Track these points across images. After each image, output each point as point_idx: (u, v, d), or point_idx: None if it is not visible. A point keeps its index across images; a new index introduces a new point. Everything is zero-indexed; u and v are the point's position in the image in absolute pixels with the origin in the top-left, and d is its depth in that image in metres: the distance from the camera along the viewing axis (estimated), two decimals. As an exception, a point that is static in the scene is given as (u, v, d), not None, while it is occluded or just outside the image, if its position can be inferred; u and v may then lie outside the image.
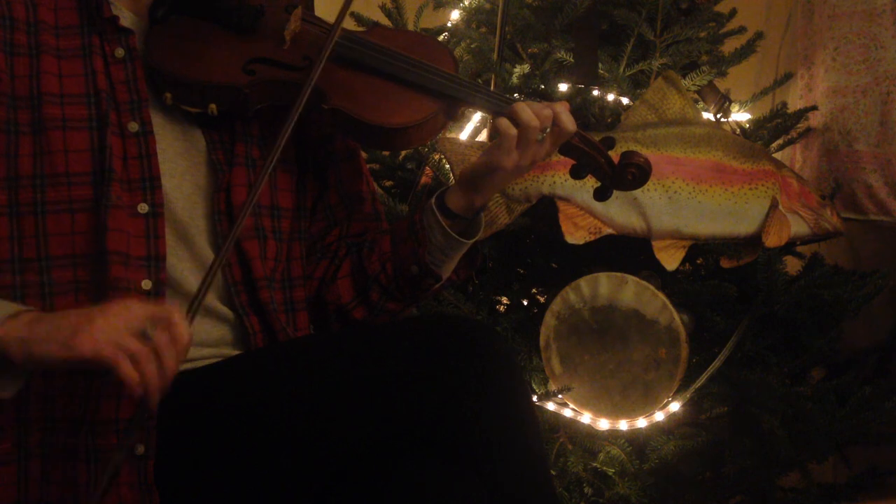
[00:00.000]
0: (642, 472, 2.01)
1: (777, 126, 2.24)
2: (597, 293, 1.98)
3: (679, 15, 2.16)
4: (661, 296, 1.96)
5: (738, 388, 2.04)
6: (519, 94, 2.09)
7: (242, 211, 1.21)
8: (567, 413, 2.00)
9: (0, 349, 1.12)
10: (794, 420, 2.03)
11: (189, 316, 1.15)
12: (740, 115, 2.24)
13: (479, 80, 2.05)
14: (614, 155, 1.43)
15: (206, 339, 1.31)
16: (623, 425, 1.99)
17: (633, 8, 2.12)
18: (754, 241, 2.02)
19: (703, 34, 2.17)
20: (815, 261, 2.21)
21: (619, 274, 1.98)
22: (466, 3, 2.27)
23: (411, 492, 1.16)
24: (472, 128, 2.15)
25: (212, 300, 1.32)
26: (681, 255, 1.99)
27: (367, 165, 1.80)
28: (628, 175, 1.43)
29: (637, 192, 1.94)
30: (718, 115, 2.17)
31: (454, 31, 2.26)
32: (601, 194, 1.47)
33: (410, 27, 2.21)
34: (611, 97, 2.10)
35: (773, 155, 2.18)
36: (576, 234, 1.97)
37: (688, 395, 2.01)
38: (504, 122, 1.36)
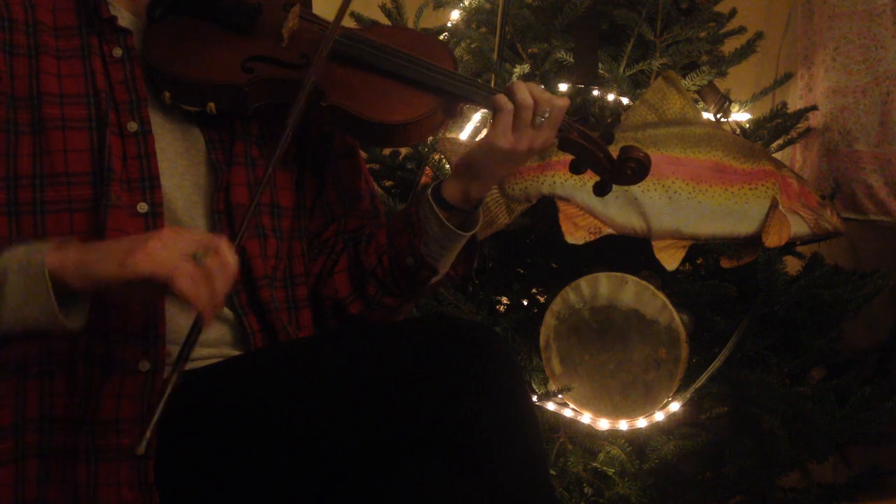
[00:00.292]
0: (642, 472, 2.01)
1: (777, 126, 2.24)
2: (597, 293, 1.98)
3: (679, 15, 2.16)
4: (661, 296, 1.96)
5: (738, 388, 2.04)
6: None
7: (245, 218, 1.21)
8: (567, 413, 2.00)
9: (57, 275, 1.13)
10: (794, 420, 2.03)
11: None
12: (740, 115, 2.24)
13: (480, 80, 2.05)
14: (613, 150, 1.43)
15: (206, 339, 1.31)
16: (623, 425, 1.99)
17: (633, 8, 2.13)
18: (754, 241, 2.02)
19: (703, 34, 2.17)
20: (815, 261, 2.21)
21: (619, 274, 1.98)
22: (466, 3, 2.27)
23: (411, 492, 1.16)
24: (472, 128, 2.15)
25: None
26: (681, 255, 1.99)
27: (368, 165, 1.80)
28: (627, 170, 1.42)
29: (637, 192, 1.94)
30: (718, 115, 2.17)
31: (454, 31, 2.26)
32: (600, 189, 1.47)
33: (410, 27, 2.21)
34: (611, 97, 2.10)
35: (773, 155, 2.18)
36: (576, 234, 1.97)
37: (688, 395, 2.01)
38: (502, 99, 1.36)
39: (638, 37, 2.11)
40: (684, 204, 1.97)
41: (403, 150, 2.19)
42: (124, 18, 1.35)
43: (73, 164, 1.26)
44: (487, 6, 2.26)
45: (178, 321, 1.26)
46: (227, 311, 1.34)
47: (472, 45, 2.19)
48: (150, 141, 1.30)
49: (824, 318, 2.12)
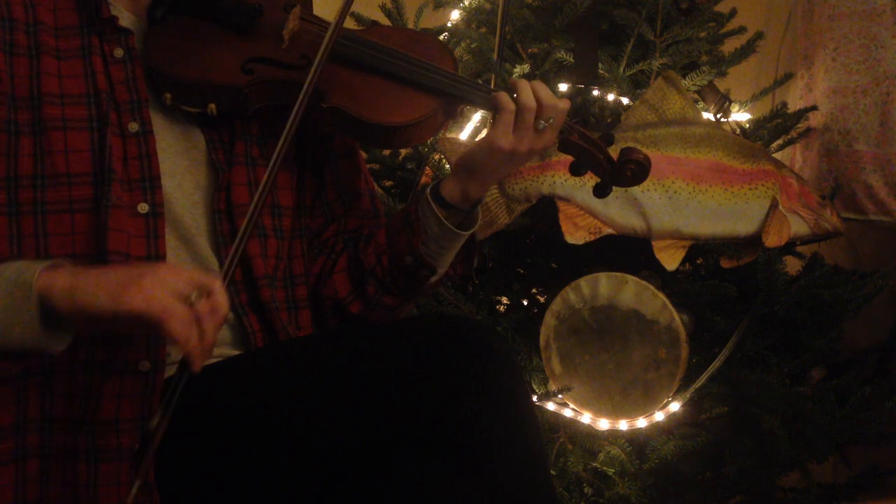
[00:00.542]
0: (642, 472, 2.01)
1: (777, 126, 2.23)
2: (597, 293, 1.98)
3: (679, 15, 2.15)
4: (661, 296, 1.96)
5: (738, 388, 2.04)
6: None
7: (246, 221, 1.21)
8: (567, 413, 2.00)
9: (45, 298, 1.12)
10: (794, 420, 2.03)
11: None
12: (740, 115, 2.24)
13: (480, 80, 2.05)
14: (613, 151, 1.43)
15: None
16: (623, 425, 1.99)
17: (633, 8, 2.12)
18: (754, 241, 2.02)
19: (703, 34, 2.17)
20: (815, 261, 2.21)
21: (619, 274, 1.98)
22: (466, 3, 2.27)
23: (411, 492, 1.16)
24: (472, 128, 2.15)
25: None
26: (681, 255, 1.99)
27: (368, 165, 1.80)
28: (627, 171, 1.43)
29: (637, 192, 1.94)
30: (718, 115, 2.17)
31: (454, 31, 2.26)
32: (600, 191, 1.47)
33: (410, 27, 2.21)
34: (611, 97, 2.10)
35: (773, 155, 2.18)
36: (576, 234, 1.97)
37: (688, 395, 2.01)
38: (503, 98, 1.36)
39: (638, 37, 2.11)
40: (684, 204, 1.97)
41: (403, 150, 2.19)
42: (125, 18, 1.35)
43: (74, 164, 1.26)
44: (487, 6, 2.26)
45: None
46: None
47: (472, 45, 2.19)
48: (150, 141, 1.30)
49: (824, 318, 2.12)
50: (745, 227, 2.01)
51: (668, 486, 2.06)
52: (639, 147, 1.94)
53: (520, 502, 1.21)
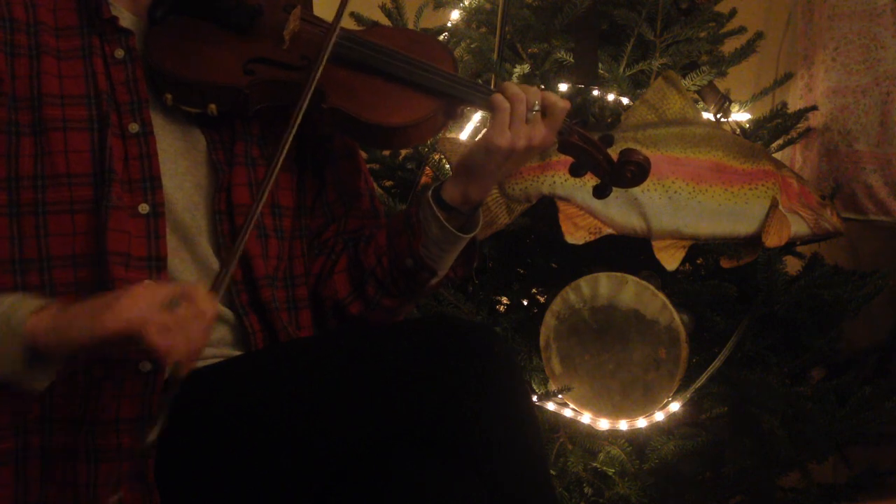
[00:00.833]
0: (642, 472, 2.01)
1: (777, 126, 2.23)
2: (597, 293, 1.98)
3: (679, 15, 2.15)
4: (661, 296, 1.96)
5: (738, 388, 2.04)
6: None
7: (246, 222, 1.21)
8: (567, 413, 2.00)
9: (30, 343, 1.13)
10: (794, 420, 2.03)
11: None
12: (740, 115, 2.24)
13: (480, 80, 2.05)
14: (613, 153, 1.43)
15: (206, 339, 1.31)
16: (623, 425, 1.99)
17: (633, 8, 2.12)
18: (754, 241, 2.02)
19: (703, 34, 2.17)
20: (815, 261, 2.21)
21: (619, 274, 1.98)
22: (466, 3, 2.27)
23: (411, 492, 1.16)
24: (472, 128, 2.15)
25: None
26: (681, 255, 1.99)
27: (368, 165, 1.80)
28: (627, 173, 1.43)
29: (637, 193, 1.95)
30: (718, 115, 2.17)
31: (454, 31, 2.26)
32: (600, 192, 1.47)
33: (410, 27, 2.21)
34: (611, 97, 2.10)
35: (773, 155, 2.18)
36: (576, 234, 1.97)
37: (688, 395, 2.01)
38: (498, 98, 1.36)
39: (638, 37, 2.11)
40: (684, 204, 1.97)
41: (404, 151, 2.19)
42: (125, 19, 1.35)
43: (75, 164, 1.26)
44: (487, 6, 2.26)
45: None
46: (227, 312, 1.34)
47: (472, 45, 2.19)
48: (151, 142, 1.30)
49: (824, 318, 2.12)
50: (745, 227, 2.01)
51: (668, 486, 2.07)
52: (639, 147, 1.95)
53: (520, 502, 1.22)
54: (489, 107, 1.37)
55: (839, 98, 2.38)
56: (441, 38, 2.25)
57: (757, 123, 2.21)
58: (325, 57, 1.30)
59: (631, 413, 1.98)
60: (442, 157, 2.07)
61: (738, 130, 2.20)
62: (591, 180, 1.47)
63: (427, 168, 2.11)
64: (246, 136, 1.39)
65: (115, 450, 1.22)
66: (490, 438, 1.20)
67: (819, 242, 2.19)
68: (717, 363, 2.02)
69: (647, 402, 1.97)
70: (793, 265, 2.23)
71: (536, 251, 2.14)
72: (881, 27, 2.31)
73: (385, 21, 2.17)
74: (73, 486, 1.22)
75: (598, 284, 1.98)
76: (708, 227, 1.99)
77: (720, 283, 2.03)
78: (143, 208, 1.28)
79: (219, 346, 1.33)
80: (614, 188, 1.46)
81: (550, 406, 2.00)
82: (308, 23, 1.41)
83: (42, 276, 1.24)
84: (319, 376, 1.22)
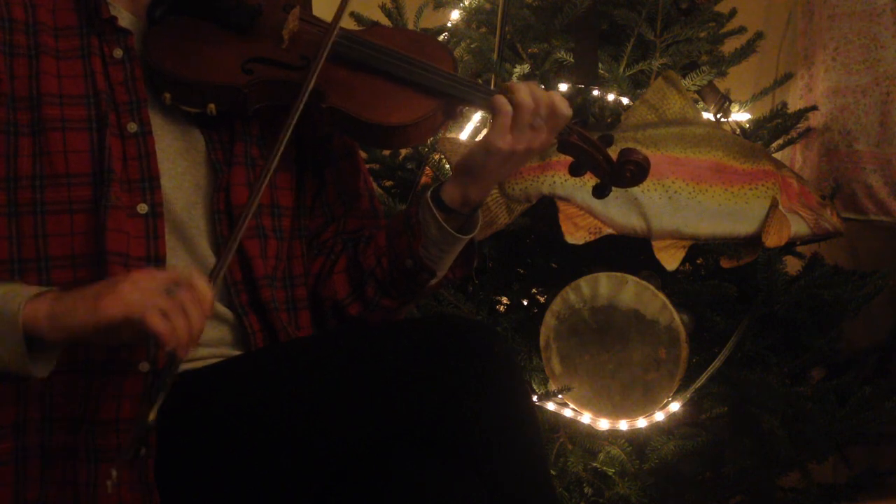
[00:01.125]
0: (642, 472, 2.01)
1: (777, 126, 2.23)
2: (597, 293, 1.98)
3: (679, 15, 2.15)
4: (661, 296, 1.96)
5: (738, 388, 2.04)
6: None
7: (242, 218, 1.21)
8: (567, 413, 2.00)
9: (29, 328, 1.13)
10: (794, 420, 2.03)
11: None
12: (740, 115, 2.24)
13: (479, 80, 2.05)
14: (613, 152, 1.43)
15: (206, 339, 1.30)
16: (623, 425, 1.99)
17: (633, 8, 2.12)
18: (754, 241, 2.02)
19: (703, 34, 2.17)
20: (815, 261, 2.21)
21: (619, 274, 1.98)
22: (466, 3, 2.27)
23: (411, 492, 1.16)
24: (472, 128, 2.15)
25: (211, 301, 1.32)
26: (681, 255, 1.99)
27: (368, 165, 1.80)
28: (626, 172, 1.42)
29: (637, 193, 1.95)
30: (718, 115, 2.17)
31: (454, 31, 2.26)
32: (600, 191, 1.47)
33: (410, 27, 2.21)
34: (611, 97, 2.10)
35: (773, 155, 2.18)
36: (576, 234, 1.97)
37: (688, 395, 2.01)
38: (500, 100, 1.36)
39: (638, 37, 2.11)
40: (684, 204, 1.97)
41: (403, 151, 2.19)
42: (124, 19, 1.35)
43: (73, 164, 1.26)
44: (487, 6, 2.26)
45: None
46: (227, 312, 1.34)
47: (472, 45, 2.19)
48: (149, 142, 1.30)
49: (824, 318, 2.12)
50: (745, 227, 2.01)
51: (668, 486, 2.07)
52: (639, 147, 1.95)
53: (520, 502, 1.22)
54: (490, 108, 1.36)
55: (839, 98, 2.38)
56: (441, 38, 2.25)
57: (757, 123, 2.21)
58: (324, 55, 1.30)
59: (631, 413, 1.98)
60: (442, 157, 2.07)
61: (738, 130, 2.20)
62: (590, 180, 1.47)
63: (427, 168, 2.11)
64: (245, 136, 1.39)
65: (115, 450, 1.22)
66: (490, 438, 1.20)
67: (819, 242, 2.19)
68: (717, 363, 2.02)
69: (647, 402, 1.97)
70: (793, 265, 2.23)
71: (536, 251, 2.14)
72: (881, 27, 2.31)
73: (385, 21, 2.17)
74: (73, 485, 1.22)
75: (598, 284, 1.98)
76: (708, 227, 1.99)
77: (720, 283, 2.03)
78: (142, 208, 1.28)
79: (218, 346, 1.33)
80: (614, 188, 1.46)
81: (550, 406, 2.00)
82: (307, 22, 1.41)
83: (41, 276, 1.24)
84: (319, 376, 1.22)
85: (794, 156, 2.51)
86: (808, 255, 2.24)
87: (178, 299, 1.10)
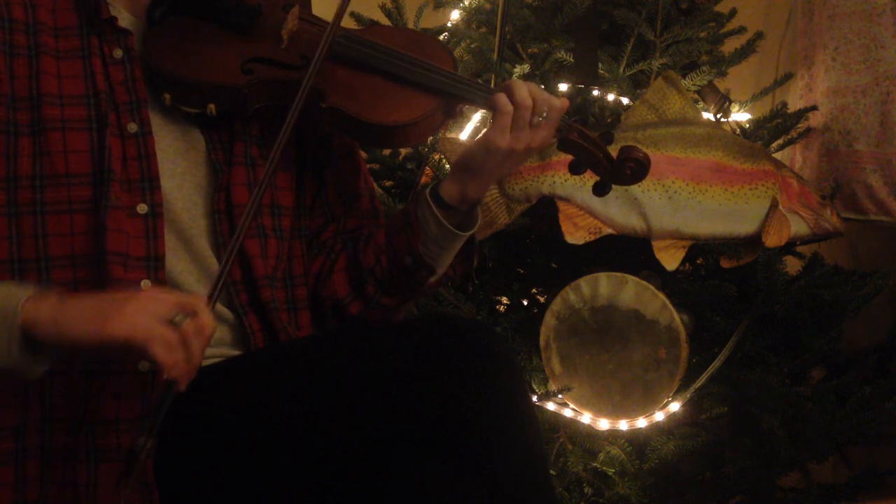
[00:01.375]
0: (642, 472, 2.01)
1: (777, 126, 2.23)
2: (597, 293, 1.98)
3: (679, 15, 2.15)
4: (661, 296, 1.96)
5: (738, 388, 2.04)
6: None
7: (243, 219, 1.21)
8: (567, 413, 2.00)
9: (28, 328, 1.12)
10: (794, 420, 2.03)
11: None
12: (740, 115, 2.24)
13: (480, 80, 2.05)
14: (613, 150, 1.43)
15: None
16: (623, 425, 1.99)
17: (633, 8, 2.12)
18: (754, 241, 2.02)
19: (703, 34, 2.17)
20: (815, 261, 2.21)
21: (619, 274, 1.98)
22: (466, 3, 2.27)
23: (411, 492, 1.16)
24: (472, 128, 2.15)
25: (211, 301, 1.32)
26: (681, 255, 1.99)
27: (368, 165, 1.80)
28: (627, 169, 1.42)
29: (637, 192, 1.95)
30: (718, 115, 2.17)
31: (454, 31, 2.26)
32: (600, 189, 1.47)
33: (410, 27, 2.21)
34: (611, 97, 2.10)
35: (773, 155, 2.18)
36: (576, 234, 1.97)
37: (688, 395, 2.01)
38: (501, 99, 1.36)
39: (638, 37, 2.11)
40: (684, 204, 1.97)
41: (403, 150, 2.19)
42: (124, 19, 1.35)
43: (73, 164, 1.26)
44: (487, 6, 2.26)
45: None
46: (227, 312, 1.34)
47: (472, 45, 2.19)
48: (149, 142, 1.30)
49: (824, 318, 2.12)
50: (745, 227, 2.01)
51: (668, 486, 2.06)
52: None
53: (520, 502, 1.22)
54: (490, 106, 1.36)
55: (839, 98, 2.38)
56: (441, 38, 2.25)
57: (757, 123, 2.21)
58: (323, 54, 1.30)
59: (631, 413, 1.98)
60: (442, 156, 2.07)
61: (738, 130, 2.20)
62: (590, 179, 1.47)
63: (427, 168, 2.11)
64: (245, 136, 1.39)
65: (115, 450, 1.22)
66: (490, 438, 1.20)
67: (819, 242, 2.19)
68: (717, 363, 2.02)
69: (647, 402, 1.97)
70: (793, 265, 2.23)
71: (536, 251, 2.14)
72: (881, 27, 2.31)
73: (385, 21, 2.17)
74: (73, 486, 1.22)
75: (598, 284, 1.98)
76: (708, 227, 1.99)
77: (720, 283, 2.03)
78: (142, 208, 1.28)
79: (218, 346, 1.33)
80: (614, 185, 1.46)
81: (550, 406, 2.00)
82: (307, 22, 1.41)
83: (40, 276, 1.24)
84: (319, 376, 1.22)
85: (794, 156, 2.51)
86: (808, 255, 2.24)
87: (183, 331, 1.10)
